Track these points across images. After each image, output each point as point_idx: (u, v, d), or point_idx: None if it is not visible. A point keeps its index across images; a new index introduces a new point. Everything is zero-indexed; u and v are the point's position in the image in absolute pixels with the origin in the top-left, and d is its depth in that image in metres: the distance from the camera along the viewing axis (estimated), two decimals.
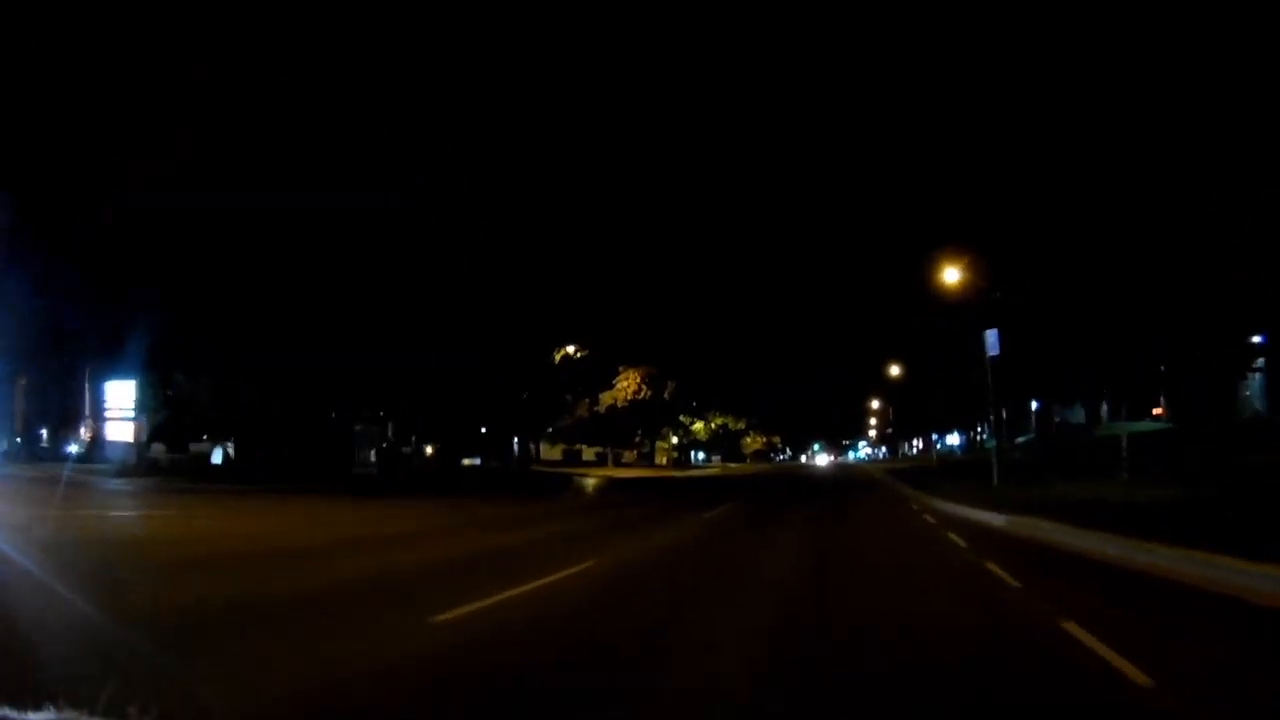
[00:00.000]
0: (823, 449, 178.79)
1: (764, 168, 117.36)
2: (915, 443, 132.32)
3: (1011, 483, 21.29)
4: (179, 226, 41.87)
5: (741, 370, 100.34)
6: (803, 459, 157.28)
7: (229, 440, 54.69)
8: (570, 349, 57.85)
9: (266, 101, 42.06)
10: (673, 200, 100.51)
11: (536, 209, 56.73)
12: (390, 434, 48.90)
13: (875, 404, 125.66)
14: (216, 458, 56.01)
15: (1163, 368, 61.81)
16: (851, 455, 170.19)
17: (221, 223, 43.04)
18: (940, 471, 34.15)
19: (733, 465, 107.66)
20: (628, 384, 64.49)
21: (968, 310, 50.32)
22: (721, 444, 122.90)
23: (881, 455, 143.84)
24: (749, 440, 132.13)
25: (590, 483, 42.70)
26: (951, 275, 43.53)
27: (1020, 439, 67.91)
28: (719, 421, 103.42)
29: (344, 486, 32.69)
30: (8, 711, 2.69)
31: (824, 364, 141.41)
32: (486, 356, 51.08)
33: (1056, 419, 66.68)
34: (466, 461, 58.37)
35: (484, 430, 55.50)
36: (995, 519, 14.50)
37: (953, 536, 12.54)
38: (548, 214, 57.05)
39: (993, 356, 21.99)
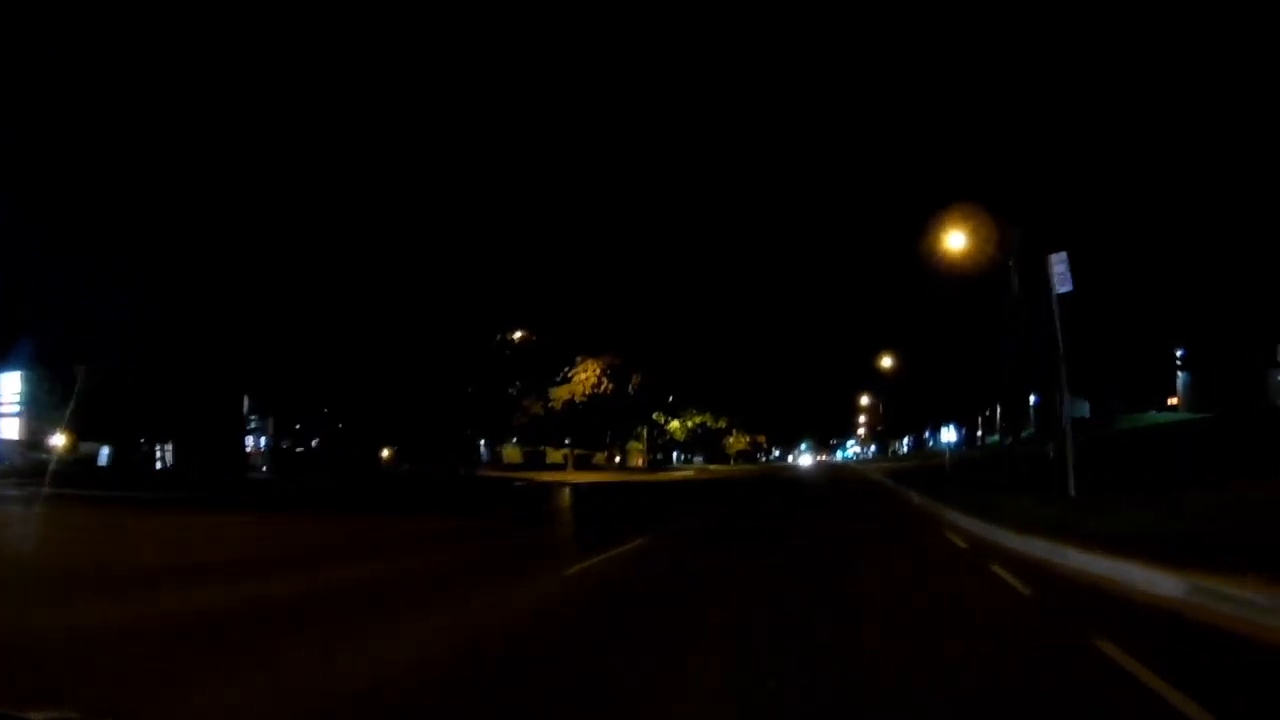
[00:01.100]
0: (810, 448, 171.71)
1: (739, 134, 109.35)
2: (905, 441, 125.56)
3: (1100, 493, 13.68)
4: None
5: (721, 365, 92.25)
6: (790, 459, 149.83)
7: (120, 439, 47.20)
8: (516, 335, 49.99)
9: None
10: (633, 167, 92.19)
11: (473, 168, 49.00)
12: (271, 430, 40.95)
13: (865, 400, 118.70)
14: (102, 459, 48.49)
15: (1181, 354, 54.92)
16: (840, 455, 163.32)
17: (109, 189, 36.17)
18: (958, 475, 26.45)
19: (713, 467, 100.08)
20: (586, 376, 56.52)
21: (975, 284, 43.70)
22: (702, 444, 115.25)
23: (871, 454, 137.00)
24: (732, 440, 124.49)
25: (526, 490, 35.03)
26: (957, 241, 36.55)
27: (1022, 434, 61.08)
28: (697, 420, 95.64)
29: (206, 495, 25.02)
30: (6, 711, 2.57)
31: (811, 357, 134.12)
32: (418, 340, 43.40)
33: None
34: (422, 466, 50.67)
35: (418, 428, 47.61)
36: (1161, 584, 6.84)
37: (1148, 679, 4.78)
38: (487, 175, 49.34)
39: (1062, 293, 14.35)
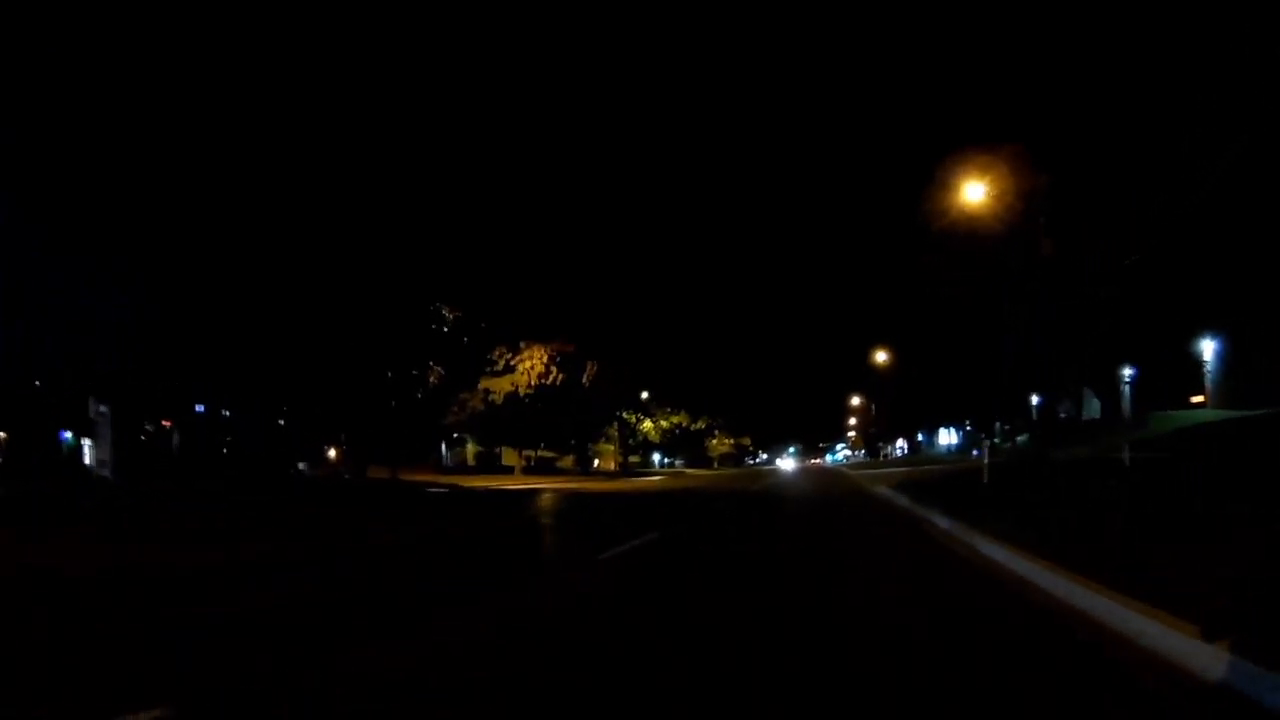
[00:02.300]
0: (798, 452, 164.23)
1: (718, 104, 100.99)
2: (899, 444, 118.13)
3: None
4: None
5: (699, 362, 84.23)
6: (777, 463, 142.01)
7: None
8: (444, 312, 41.38)
9: None
10: (590, 127, 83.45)
11: (396, 116, 40.69)
12: (109, 420, 32.80)
13: (855, 400, 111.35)
14: None
15: (1215, 344, 48.52)
16: (830, 458, 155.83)
17: None
18: (1003, 491, 17.79)
19: (691, 471, 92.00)
20: (531, 364, 47.79)
21: (983, 256, 35.42)
22: (683, 446, 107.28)
23: (862, 457, 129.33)
24: (715, 442, 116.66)
25: (405, 501, 26.50)
26: (974, 193, 28.49)
27: (1020, 438, 54.55)
28: (674, 420, 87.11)
29: None
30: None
31: (798, 356, 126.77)
32: (315, 313, 35.39)
33: (1062, 413, 52.98)
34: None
35: (313, 419, 39.16)
36: None
37: None
38: (412, 123, 41.04)
39: None
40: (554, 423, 52.74)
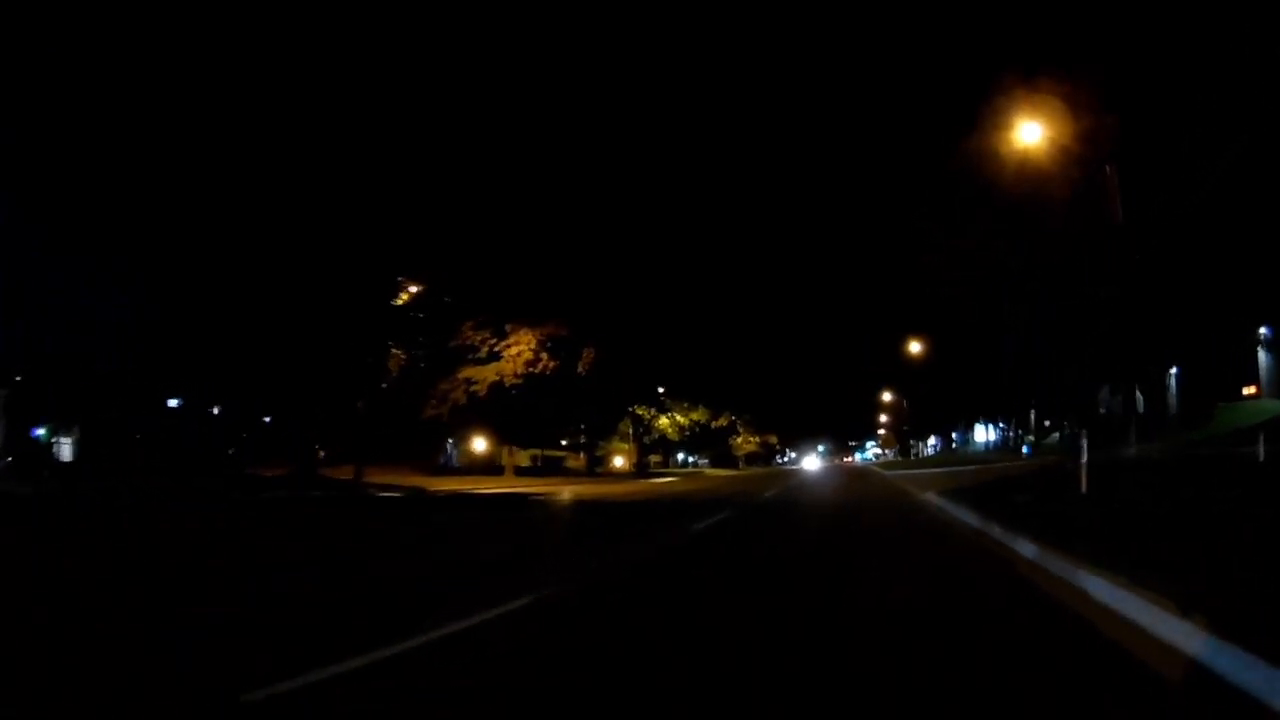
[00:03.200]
0: (827, 450, 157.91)
1: (739, 70, 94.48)
2: (932, 441, 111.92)
3: None
4: None
5: (719, 354, 77.74)
6: (802, 462, 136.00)
7: None
8: (411, 289, 35.85)
9: None
10: (591, 93, 77.30)
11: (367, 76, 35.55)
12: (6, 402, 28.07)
13: (887, 396, 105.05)
14: None
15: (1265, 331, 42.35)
16: (859, 457, 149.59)
17: None
18: (1132, 505, 11.79)
19: (712, 471, 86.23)
20: (519, 350, 41.95)
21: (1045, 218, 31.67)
22: (705, 444, 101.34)
23: (892, 455, 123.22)
24: (740, 440, 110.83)
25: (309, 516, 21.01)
26: (1031, 134, 23.59)
27: (1057, 435, 49.15)
28: (692, 417, 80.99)
29: None
30: None
31: (827, 349, 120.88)
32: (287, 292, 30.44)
33: (1102, 408, 47.42)
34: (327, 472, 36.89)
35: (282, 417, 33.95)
36: None
37: None
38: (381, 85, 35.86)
39: None
40: (546, 416, 46.91)
